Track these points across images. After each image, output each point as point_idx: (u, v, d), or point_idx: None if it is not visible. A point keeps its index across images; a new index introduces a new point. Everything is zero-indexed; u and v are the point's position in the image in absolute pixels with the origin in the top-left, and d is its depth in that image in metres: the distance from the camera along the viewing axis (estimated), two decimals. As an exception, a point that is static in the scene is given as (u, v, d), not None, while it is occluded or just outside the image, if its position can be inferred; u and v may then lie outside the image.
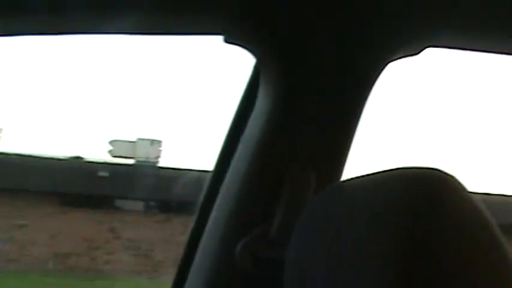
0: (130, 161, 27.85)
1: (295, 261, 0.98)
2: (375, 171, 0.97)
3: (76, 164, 27.07)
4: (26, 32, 1.32)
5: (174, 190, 24.11)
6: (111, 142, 28.65)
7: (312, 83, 1.40)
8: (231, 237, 1.37)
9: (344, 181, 1.21)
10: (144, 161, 27.76)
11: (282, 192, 1.33)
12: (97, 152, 36.55)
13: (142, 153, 28.31)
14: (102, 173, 26.11)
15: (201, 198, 1.57)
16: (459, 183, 0.95)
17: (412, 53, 1.49)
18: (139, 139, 28.89)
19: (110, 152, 28.53)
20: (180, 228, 26.11)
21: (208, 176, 1.56)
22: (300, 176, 1.34)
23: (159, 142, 29.30)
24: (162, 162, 27.77)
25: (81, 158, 28.43)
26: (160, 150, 29.21)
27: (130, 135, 28.03)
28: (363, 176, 0.99)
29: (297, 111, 1.41)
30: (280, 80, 1.36)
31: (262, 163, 1.42)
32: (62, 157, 27.19)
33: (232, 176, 1.46)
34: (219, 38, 1.36)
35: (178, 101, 35.89)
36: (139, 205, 27.76)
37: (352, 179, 1.02)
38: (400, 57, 1.46)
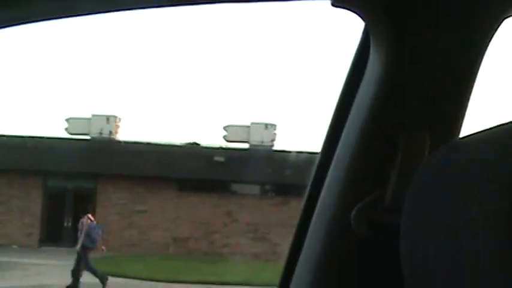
0: (245, 145, 28.14)
1: (409, 225, 0.93)
2: (489, 127, 0.90)
3: (192, 150, 27.57)
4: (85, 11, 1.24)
5: (290, 172, 24.12)
6: (226, 127, 29.05)
7: (424, 44, 1.34)
8: (346, 204, 1.32)
9: (457, 139, 1.15)
10: (258, 145, 27.97)
11: (396, 156, 1.30)
12: (212, 137, 37.06)
13: (257, 137, 28.54)
14: (218, 158, 26.47)
15: (314, 168, 1.51)
16: None
17: None
18: (253, 123, 29.12)
19: (224, 137, 28.94)
20: (297, 211, 25.92)
21: (321, 147, 1.52)
22: (413, 138, 1.30)
23: (273, 126, 29.47)
24: (277, 146, 27.96)
25: (198, 144, 28.98)
26: (274, 134, 29.37)
27: (244, 120, 28.35)
28: (476, 133, 0.92)
29: (409, 73, 1.34)
30: (392, 43, 1.32)
31: (374, 128, 1.35)
32: (178, 143, 27.79)
33: (344, 143, 1.42)
34: (326, 2, 1.31)
35: (289, 81, 35.93)
36: (255, 189, 27.99)
37: (465, 136, 0.96)
38: None
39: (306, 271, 1.40)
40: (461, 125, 1.35)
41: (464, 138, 0.94)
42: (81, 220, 16.76)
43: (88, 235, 16.15)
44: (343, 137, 1.40)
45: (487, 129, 0.88)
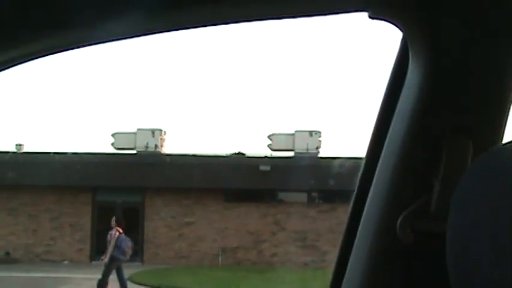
0: (290, 154, 28.10)
1: (456, 235, 0.93)
2: None
3: (238, 160, 27.64)
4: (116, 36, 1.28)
5: (337, 179, 24.00)
6: (270, 136, 29.04)
7: (462, 51, 1.33)
8: (391, 212, 1.33)
9: (500, 145, 1.14)
10: (304, 153, 27.89)
11: (439, 164, 1.29)
12: (257, 147, 37.12)
13: (302, 145, 28.47)
14: (263, 167, 26.49)
15: (358, 177, 1.52)
16: None
17: None
18: (297, 131, 29.08)
19: (269, 146, 28.93)
20: (345, 217, 25.77)
21: (365, 154, 1.53)
22: (456, 145, 1.30)
23: (318, 132, 29.37)
24: (323, 153, 27.86)
25: (243, 154, 29.04)
26: (320, 141, 29.27)
27: (289, 128, 28.32)
28: None
29: (449, 80, 1.33)
30: (430, 52, 1.32)
31: (417, 135, 1.35)
32: (224, 154, 27.91)
33: (388, 152, 1.43)
34: (364, 15, 1.34)
35: (331, 89, 35.81)
36: (302, 196, 27.92)
37: (508, 142, 0.96)
38: None
39: (354, 278, 1.40)
40: (504, 131, 1.34)
41: (508, 144, 0.93)
42: (110, 232, 16.90)
43: (118, 247, 16.24)
44: (386, 145, 1.40)
45: None
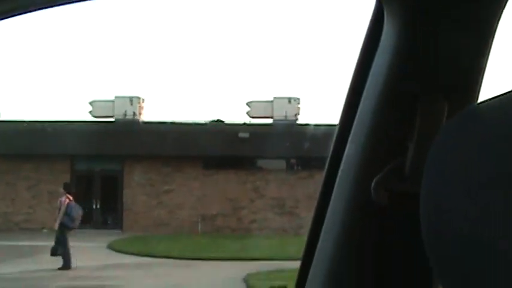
0: (269, 121, 28.08)
1: (429, 194, 0.91)
2: (508, 91, 0.89)
3: (216, 128, 27.60)
4: None
5: (315, 146, 24.06)
6: (249, 103, 28.98)
7: (439, 11, 1.33)
8: (365, 174, 1.32)
9: (474, 105, 1.07)
10: (282, 119, 27.90)
11: (414, 125, 1.29)
12: (236, 114, 37.05)
13: (281, 112, 28.45)
14: (242, 134, 26.48)
15: (333, 140, 1.50)
16: None
17: None
18: (276, 98, 29.03)
19: (248, 113, 28.88)
20: (323, 183, 25.92)
21: (339, 118, 1.52)
22: (430, 106, 1.30)
23: (296, 99, 29.34)
24: (301, 119, 27.85)
25: (221, 121, 28.98)
26: (298, 108, 29.26)
27: (267, 95, 28.25)
28: (493, 98, 0.90)
29: (424, 42, 1.33)
30: (406, 10, 1.33)
31: (391, 97, 1.35)
32: (202, 122, 27.83)
33: (362, 114, 1.42)
34: None
35: (308, 55, 35.71)
36: (281, 163, 27.98)
37: (484, 101, 0.92)
38: None
39: (329, 242, 1.41)
40: (478, 92, 1.34)
41: (482, 103, 0.92)
42: (60, 199, 16.82)
43: (68, 214, 16.18)
44: (360, 108, 1.39)
45: (506, 93, 0.87)
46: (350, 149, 1.39)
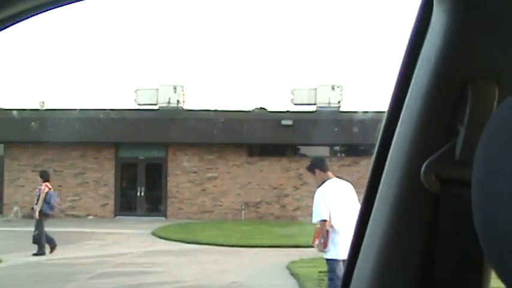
0: (312, 108, 27.98)
1: (481, 180, 0.89)
2: None
3: (260, 115, 27.59)
4: None
5: (359, 133, 23.92)
6: (293, 91, 28.91)
7: None
8: (415, 160, 1.30)
9: None
10: (326, 107, 27.78)
11: (465, 109, 1.26)
12: (279, 102, 37.02)
13: (324, 99, 28.33)
14: (285, 122, 26.43)
15: (382, 125, 1.46)
16: None
17: None
18: (319, 85, 28.92)
19: (291, 100, 28.82)
20: (367, 170, 25.68)
21: (388, 103, 1.47)
22: (482, 89, 1.26)
23: (340, 87, 29.18)
24: (344, 107, 27.69)
25: (264, 109, 28.98)
26: (341, 95, 29.10)
27: (311, 82, 28.15)
28: None
29: (476, 23, 1.29)
30: None
31: (441, 80, 1.31)
32: (246, 109, 27.83)
33: (412, 99, 1.38)
34: None
35: (352, 42, 35.46)
36: (324, 150, 27.86)
37: None
38: None
39: (377, 230, 1.39)
40: None
41: None
42: (39, 187, 16.96)
43: (47, 202, 16.33)
44: (410, 92, 1.36)
45: None
46: (399, 134, 1.36)
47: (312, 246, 9.00)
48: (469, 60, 1.27)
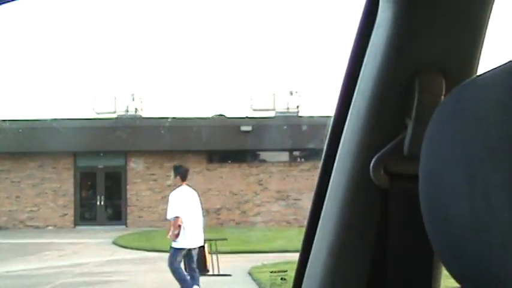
0: (271, 114, 28.08)
1: (428, 174, 0.89)
2: (505, 62, 0.86)
3: (219, 122, 27.61)
4: None
5: (318, 138, 24.06)
6: (251, 97, 28.99)
7: None
8: (364, 156, 1.29)
9: (471, 78, 1.00)
10: (284, 112, 27.90)
11: (412, 103, 1.26)
12: (238, 108, 37.03)
13: (282, 105, 28.45)
14: (245, 128, 26.48)
15: (331, 122, 1.47)
16: None
17: None
18: (278, 91, 29.03)
19: (250, 106, 28.89)
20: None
21: (336, 102, 1.48)
22: (429, 82, 1.27)
23: (297, 92, 29.35)
24: (303, 112, 27.82)
25: (223, 115, 28.99)
26: (299, 100, 29.26)
27: (269, 88, 28.22)
28: (492, 69, 0.87)
29: (421, 16, 1.29)
30: None
31: (388, 75, 1.32)
32: (205, 116, 27.81)
33: (359, 95, 1.38)
34: None
35: (308, 48, 35.68)
36: (284, 156, 27.97)
37: (482, 74, 0.89)
38: None
39: (328, 228, 1.38)
40: (477, 65, 1.32)
41: (479, 76, 0.90)
42: None
43: None
44: (357, 89, 1.36)
45: (503, 65, 0.85)
46: (348, 131, 1.36)
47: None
48: (415, 53, 1.28)
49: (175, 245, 10.72)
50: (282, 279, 9.23)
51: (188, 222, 10.69)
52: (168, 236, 10.90)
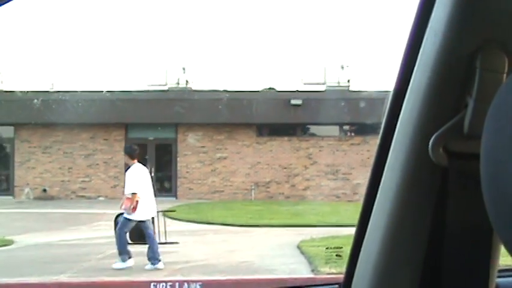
0: (322, 87, 27.90)
1: (489, 153, 0.88)
2: None
3: (269, 95, 27.54)
4: None
5: (369, 112, 23.84)
6: (302, 71, 28.85)
7: None
8: (423, 134, 1.28)
9: None
10: (335, 86, 27.69)
11: (473, 81, 1.23)
12: (288, 82, 36.93)
13: (333, 78, 28.24)
14: (295, 101, 26.38)
15: (388, 101, 1.45)
16: None
17: None
18: (329, 65, 28.83)
19: (300, 80, 28.76)
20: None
21: (395, 79, 1.45)
22: (491, 60, 1.23)
23: (348, 66, 29.10)
24: (353, 86, 27.60)
25: (274, 89, 28.92)
26: (350, 74, 29.01)
27: (320, 62, 28.03)
28: None
29: None
30: None
31: (449, 53, 1.28)
32: (255, 90, 27.78)
33: (419, 72, 1.35)
34: None
35: (361, 21, 35.26)
36: (334, 130, 27.82)
37: None
38: None
39: (385, 205, 1.38)
40: None
41: None
42: None
43: None
44: (417, 66, 1.33)
45: None
46: (406, 109, 1.33)
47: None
48: (477, 30, 1.24)
49: (128, 216, 11.63)
50: (337, 255, 9.24)
51: (142, 197, 11.64)
52: (123, 209, 11.82)
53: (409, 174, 1.31)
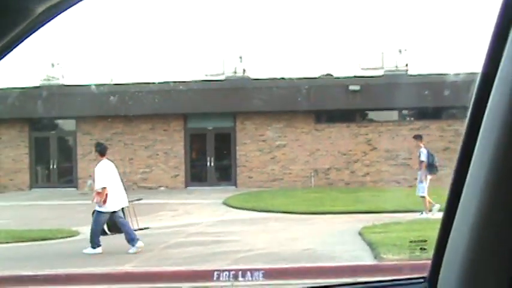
0: (380, 72, 27.55)
1: None
2: None
3: (327, 81, 27.34)
4: None
5: (428, 96, 23.46)
6: (359, 56, 28.52)
7: None
8: None
9: None
10: (393, 70, 27.31)
11: None
12: (346, 68, 36.65)
13: (391, 63, 27.85)
14: (353, 87, 26.14)
15: (475, 90, 1.38)
16: None
17: None
18: (386, 49, 28.43)
19: (359, 65, 28.44)
20: (438, 134, 25.47)
21: (483, 64, 1.38)
22: None
23: (406, 50, 28.65)
24: (412, 70, 27.15)
25: (331, 75, 28.69)
26: (408, 58, 28.56)
27: (378, 46, 27.66)
28: None
29: None
30: None
31: None
32: (312, 76, 27.60)
33: (509, 58, 1.29)
34: None
35: (418, 4, 34.67)
36: (393, 114, 27.48)
37: None
38: None
39: (475, 192, 1.32)
40: None
41: None
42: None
43: None
44: (506, 52, 1.28)
45: None
46: (496, 94, 1.28)
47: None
48: None
49: (100, 209, 12.46)
50: (421, 249, 9.25)
51: (111, 190, 12.48)
52: (94, 201, 12.66)
53: (498, 168, 1.26)
